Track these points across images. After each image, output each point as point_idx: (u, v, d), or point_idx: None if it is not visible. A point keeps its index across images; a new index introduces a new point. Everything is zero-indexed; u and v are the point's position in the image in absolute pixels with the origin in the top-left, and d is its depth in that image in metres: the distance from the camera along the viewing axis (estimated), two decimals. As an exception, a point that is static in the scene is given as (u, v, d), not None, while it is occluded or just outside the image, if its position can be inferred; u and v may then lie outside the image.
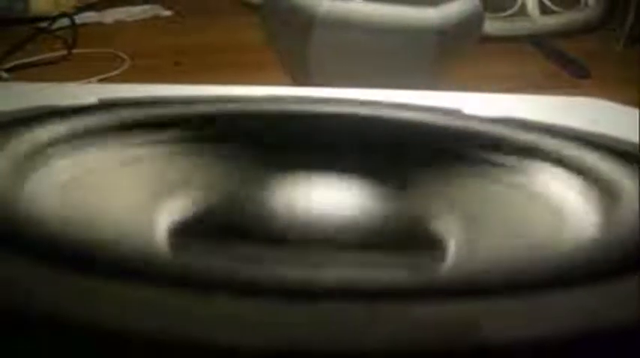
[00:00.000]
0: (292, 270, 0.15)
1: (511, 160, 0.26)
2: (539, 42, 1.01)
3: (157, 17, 1.15)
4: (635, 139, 0.28)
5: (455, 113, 0.31)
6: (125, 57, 0.89)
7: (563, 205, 0.22)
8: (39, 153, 0.23)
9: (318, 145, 0.28)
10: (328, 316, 0.14)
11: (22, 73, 0.83)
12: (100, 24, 1.10)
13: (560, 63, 0.93)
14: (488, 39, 0.94)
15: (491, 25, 0.98)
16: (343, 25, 0.65)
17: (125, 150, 0.26)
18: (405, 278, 0.15)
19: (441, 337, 0.13)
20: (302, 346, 0.13)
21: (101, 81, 0.80)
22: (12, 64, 0.84)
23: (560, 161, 0.25)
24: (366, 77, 0.58)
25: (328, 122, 0.29)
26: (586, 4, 1.09)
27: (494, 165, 0.26)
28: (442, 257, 0.22)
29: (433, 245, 0.23)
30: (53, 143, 0.24)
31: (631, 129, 0.32)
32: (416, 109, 0.30)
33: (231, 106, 0.29)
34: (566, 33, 1.04)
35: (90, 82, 0.78)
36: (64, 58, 0.89)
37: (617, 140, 0.28)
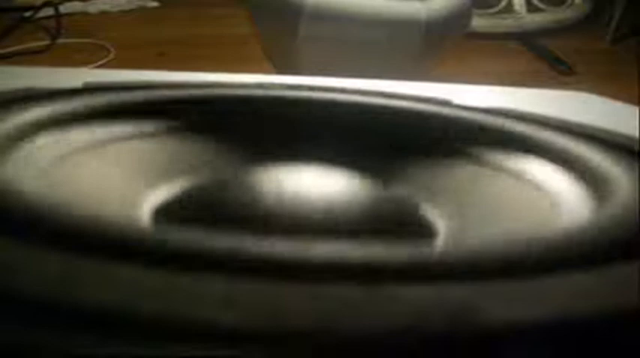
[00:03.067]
0: (285, 249, 0.15)
1: (503, 149, 0.26)
2: (525, 39, 1.01)
3: (142, 8, 1.14)
4: (620, 129, 0.28)
5: (445, 103, 0.30)
6: (110, 47, 0.89)
7: (557, 192, 0.22)
8: (23, 134, 0.23)
9: (303, 131, 0.28)
10: (325, 296, 0.14)
11: (4, 62, 0.82)
12: (84, 14, 1.09)
13: (546, 60, 0.93)
14: (474, 35, 0.95)
15: (478, 22, 0.98)
16: (331, 17, 0.64)
17: (110, 132, 0.25)
18: (403, 259, 0.15)
19: (439, 319, 0.13)
20: (299, 327, 0.13)
21: (86, 71, 0.79)
22: (-6, 53, 0.83)
23: (552, 150, 0.25)
24: (353, 69, 0.58)
25: (313, 108, 0.28)
26: (572, 2, 1.09)
27: (485, 153, 0.26)
28: (436, 241, 0.22)
29: (426, 230, 0.23)
30: (37, 124, 0.23)
31: (616, 120, 0.32)
32: (406, 98, 0.30)
33: (216, 91, 0.29)
34: (552, 30, 1.05)
35: (74, 72, 0.77)
36: (47, 47, 0.88)
37: (604, 131, 0.28)
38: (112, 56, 0.86)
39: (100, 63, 0.83)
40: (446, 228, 0.23)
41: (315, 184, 0.23)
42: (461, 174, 0.26)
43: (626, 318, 0.14)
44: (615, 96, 0.42)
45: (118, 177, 0.24)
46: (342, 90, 0.30)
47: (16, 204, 0.17)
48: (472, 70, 0.87)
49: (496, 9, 1.05)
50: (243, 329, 0.12)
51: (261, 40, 0.73)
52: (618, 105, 0.40)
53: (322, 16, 0.64)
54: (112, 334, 0.12)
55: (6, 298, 0.13)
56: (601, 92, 0.44)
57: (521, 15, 1.05)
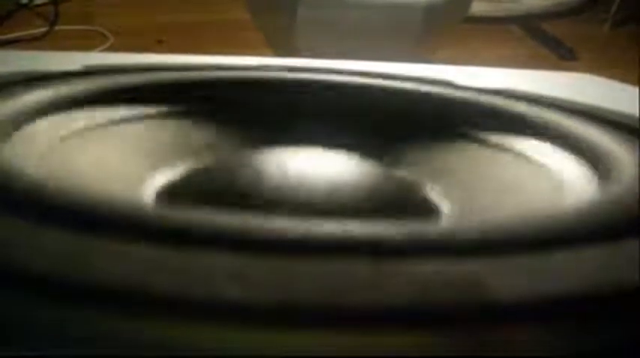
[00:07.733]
0: (293, 226, 0.15)
1: (507, 129, 0.26)
2: (526, 23, 1.01)
3: (140, -6, 1.14)
4: (621, 109, 0.28)
5: (447, 84, 0.30)
6: (108, 34, 0.88)
7: (560, 171, 0.22)
8: (24, 116, 0.23)
9: (305, 113, 0.28)
10: (331, 272, 0.13)
11: (1, 49, 0.82)
12: (82, 0, 1.08)
13: (547, 45, 0.93)
14: (474, 20, 0.94)
15: (477, 6, 0.98)
16: (329, 1, 0.64)
17: (111, 115, 0.25)
18: (410, 235, 0.15)
19: (447, 294, 0.13)
20: (307, 302, 0.13)
21: (84, 57, 0.79)
22: (-10, 40, 0.83)
23: (554, 130, 0.25)
24: (351, 54, 0.58)
25: (316, 90, 0.28)
26: (572, -14, 1.09)
27: (488, 133, 0.26)
28: (441, 220, 0.22)
29: (430, 210, 0.23)
30: (39, 106, 0.23)
31: (617, 100, 0.32)
32: (409, 79, 0.30)
33: (218, 73, 0.29)
34: (553, 15, 1.04)
35: (72, 59, 0.77)
36: (45, 35, 0.88)
37: (607, 110, 0.28)
38: (110, 43, 0.86)
39: (98, 50, 0.83)
40: (450, 208, 0.23)
41: (319, 166, 0.23)
42: (464, 154, 0.26)
43: (634, 294, 0.14)
44: (617, 80, 0.42)
45: (120, 159, 0.24)
46: (345, 72, 0.30)
47: (21, 185, 0.17)
48: (471, 55, 0.87)
49: (496, -7, 1.04)
50: (252, 305, 0.12)
51: (258, 26, 0.73)
52: (618, 86, 0.40)
53: (320, 1, 0.64)
54: (123, 311, 0.12)
55: (14, 277, 0.13)
56: (603, 77, 0.44)
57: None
